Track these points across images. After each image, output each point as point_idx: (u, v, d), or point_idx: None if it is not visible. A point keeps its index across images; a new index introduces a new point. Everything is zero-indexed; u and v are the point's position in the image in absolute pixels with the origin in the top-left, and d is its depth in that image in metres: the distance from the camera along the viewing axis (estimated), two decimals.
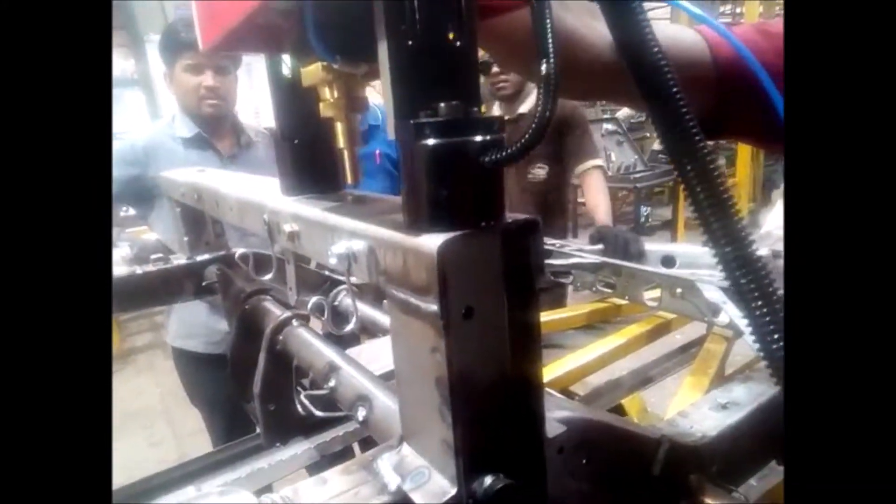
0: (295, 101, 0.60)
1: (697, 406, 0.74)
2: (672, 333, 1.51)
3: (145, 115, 6.34)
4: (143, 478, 0.82)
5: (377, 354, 1.14)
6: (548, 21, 0.36)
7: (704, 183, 0.37)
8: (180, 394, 1.96)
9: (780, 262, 1.37)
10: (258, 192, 0.71)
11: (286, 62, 0.58)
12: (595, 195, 2.26)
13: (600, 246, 1.66)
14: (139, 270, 1.17)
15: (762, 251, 1.51)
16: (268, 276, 0.73)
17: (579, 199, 4.60)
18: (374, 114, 2.18)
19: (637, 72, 0.40)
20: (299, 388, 0.87)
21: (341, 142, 0.49)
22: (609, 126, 5.00)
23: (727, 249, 0.37)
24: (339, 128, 0.49)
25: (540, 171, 2.25)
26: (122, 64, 6.33)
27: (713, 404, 0.73)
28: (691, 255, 1.59)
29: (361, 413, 0.59)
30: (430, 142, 0.36)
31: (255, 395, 0.85)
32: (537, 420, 0.43)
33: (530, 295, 0.41)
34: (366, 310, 1.33)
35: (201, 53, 1.63)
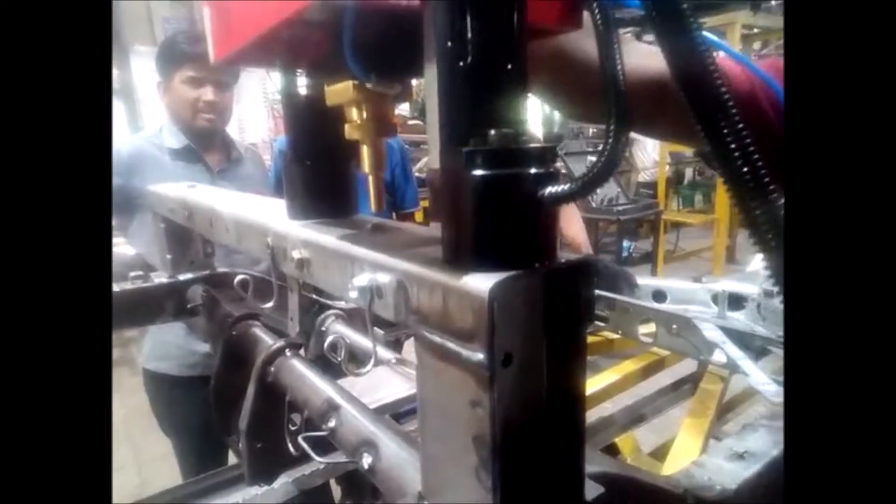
0: (310, 120, 0.56)
1: (712, 455, 0.71)
2: (665, 371, 1.49)
3: (125, 126, 6.22)
4: None
5: (374, 386, 1.08)
6: (615, 46, 0.33)
7: (775, 229, 0.34)
8: (145, 416, 1.85)
9: (773, 301, 1.35)
10: (259, 213, 0.67)
11: (303, 79, 0.54)
12: (573, 225, 2.24)
13: None
14: (116, 288, 1.10)
15: (754, 288, 1.48)
16: (268, 305, 0.68)
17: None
18: None
19: (698, 106, 0.37)
20: (290, 425, 0.81)
21: (367, 166, 0.46)
22: (593, 158, 5.03)
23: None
24: (366, 151, 0.45)
25: None
26: None
27: (728, 454, 0.70)
28: (682, 291, 1.58)
29: (367, 461, 0.54)
30: (481, 172, 0.33)
31: (241, 430, 0.79)
32: (578, 481, 0.39)
33: (576, 344, 0.38)
34: (354, 336, 1.28)
35: (203, 67, 1.60)
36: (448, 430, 0.37)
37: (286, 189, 0.60)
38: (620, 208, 4.69)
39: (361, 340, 1.25)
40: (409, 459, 0.51)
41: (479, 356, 0.33)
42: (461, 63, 0.35)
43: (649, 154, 6.06)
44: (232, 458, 1.17)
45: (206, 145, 1.73)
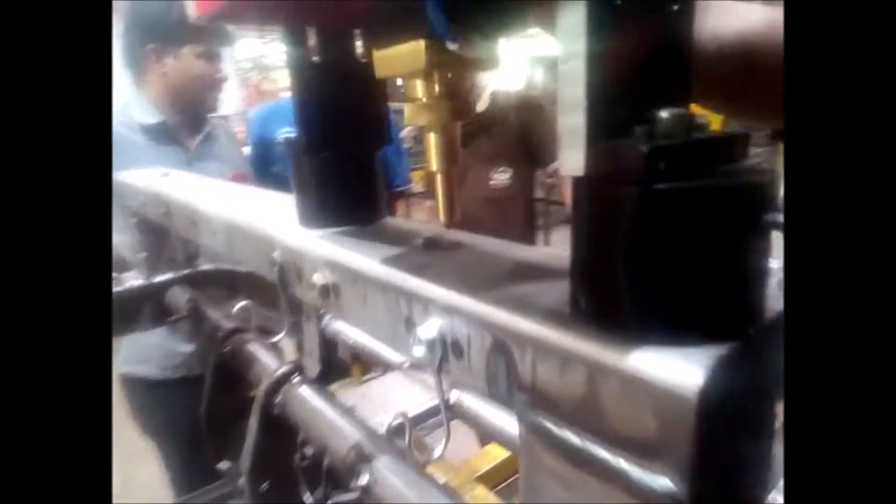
0: (330, 96, 0.42)
1: None
2: None
3: None
4: None
5: (386, 396, 0.96)
6: None
7: None
8: (122, 416, 1.71)
9: None
10: (258, 215, 0.53)
11: (324, 43, 0.40)
12: None
13: None
14: None
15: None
16: (275, 339, 0.55)
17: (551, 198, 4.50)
18: None
19: None
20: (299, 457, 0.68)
21: (435, 162, 0.32)
22: None
23: None
24: (434, 141, 0.31)
25: (503, 176, 2.00)
26: None
27: None
28: None
29: None
30: (672, 186, 0.20)
31: (243, 471, 0.66)
32: None
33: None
34: (354, 334, 1.15)
35: (222, 40, 1.48)
36: None
37: (296, 188, 0.46)
38: None
39: (367, 340, 1.13)
40: None
41: (667, 485, 0.20)
42: (617, 2, 0.21)
43: None
44: None
45: (185, 124, 1.55)
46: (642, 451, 0.21)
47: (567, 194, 2.01)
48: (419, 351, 0.30)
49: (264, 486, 0.67)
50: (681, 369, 0.20)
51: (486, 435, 0.91)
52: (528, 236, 2.13)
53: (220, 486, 1.13)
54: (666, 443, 0.20)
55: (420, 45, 0.28)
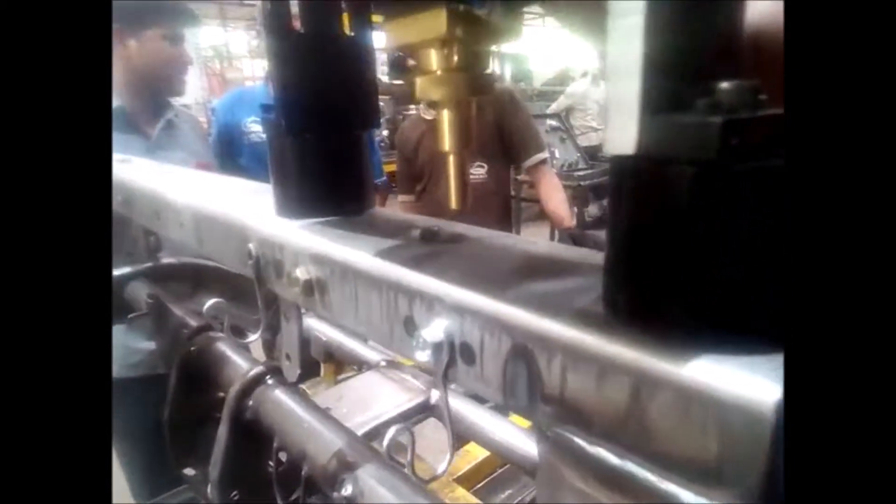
0: (311, 73, 0.38)
1: None
2: None
3: None
4: None
5: (363, 397, 0.92)
6: None
7: None
8: None
9: None
10: (231, 203, 0.48)
11: (308, 12, 0.36)
12: (554, 194, 2.07)
13: None
14: None
15: None
16: (250, 340, 0.50)
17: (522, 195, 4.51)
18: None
19: None
20: (272, 462, 0.64)
21: (447, 143, 0.28)
22: (552, 122, 4.92)
23: None
24: (447, 119, 0.28)
25: (479, 171, 2.00)
26: None
27: None
28: None
29: None
30: (756, 164, 0.17)
31: (212, 480, 0.61)
32: None
33: None
34: (332, 333, 1.10)
35: (186, 21, 1.42)
36: None
37: (274, 174, 0.42)
38: (581, 174, 4.59)
39: (340, 337, 1.09)
40: None
41: None
42: None
43: (588, 120, 5.98)
44: None
45: (146, 110, 1.47)
46: (699, 474, 0.18)
47: (544, 191, 2.00)
48: (424, 356, 0.27)
49: (234, 495, 0.62)
50: (754, 382, 0.17)
51: (465, 434, 0.88)
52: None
53: (184, 490, 1.08)
54: (732, 466, 0.17)
55: (441, 10, 0.24)
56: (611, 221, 0.21)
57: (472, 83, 0.27)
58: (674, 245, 0.19)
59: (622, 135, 0.19)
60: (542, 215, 3.76)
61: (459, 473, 0.96)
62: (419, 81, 0.28)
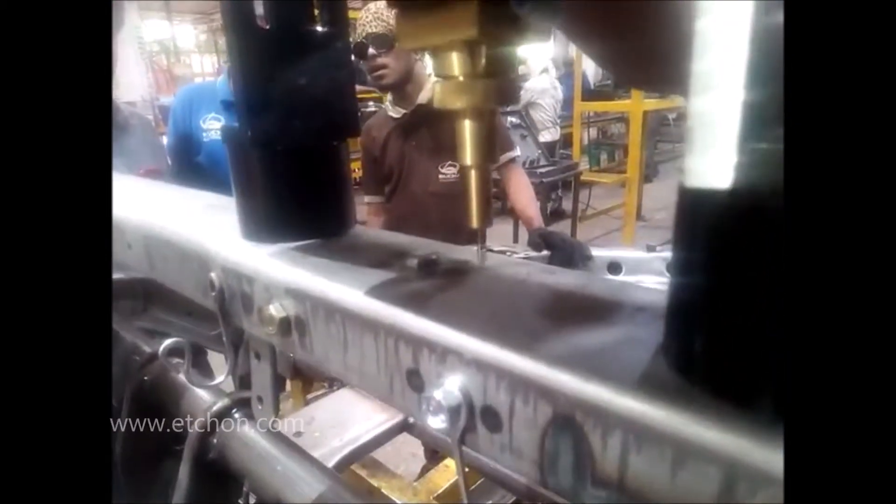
0: (281, 76, 0.32)
1: None
2: None
3: None
4: None
5: (336, 420, 0.86)
6: None
7: None
8: None
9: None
10: (187, 222, 0.42)
11: (275, 6, 0.30)
12: (524, 193, 2.06)
13: (546, 252, 1.52)
14: None
15: None
16: (216, 383, 0.44)
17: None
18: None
19: None
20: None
21: (470, 156, 0.24)
22: (513, 119, 4.92)
23: None
24: (470, 129, 0.23)
25: (450, 170, 1.97)
26: None
27: None
28: (636, 261, 1.50)
29: None
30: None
31: None
32: None
33: None
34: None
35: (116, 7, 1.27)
36: None
37: (238, 191, 0.36)
38: (543, 170, 4.60)
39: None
40: None
41: None
42: None
43: (548, 115, 6.03)
44: None
45: None
46: None
47: (513, 190, 1.98)
48: (437, 422, 0.22)
49: None
50: None
51: (440, 449, 0.84)
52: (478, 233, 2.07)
53: None
54: None
55: (471, 6, 0.19)
56: (676, 255, 0.17)
57: (500, 91, 0.23)
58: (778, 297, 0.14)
59: (713, 163, 0.14)
60: (504, 211, 3.74)
61: (440, 491, 0.92)
62: (438, 87, 0.23)
